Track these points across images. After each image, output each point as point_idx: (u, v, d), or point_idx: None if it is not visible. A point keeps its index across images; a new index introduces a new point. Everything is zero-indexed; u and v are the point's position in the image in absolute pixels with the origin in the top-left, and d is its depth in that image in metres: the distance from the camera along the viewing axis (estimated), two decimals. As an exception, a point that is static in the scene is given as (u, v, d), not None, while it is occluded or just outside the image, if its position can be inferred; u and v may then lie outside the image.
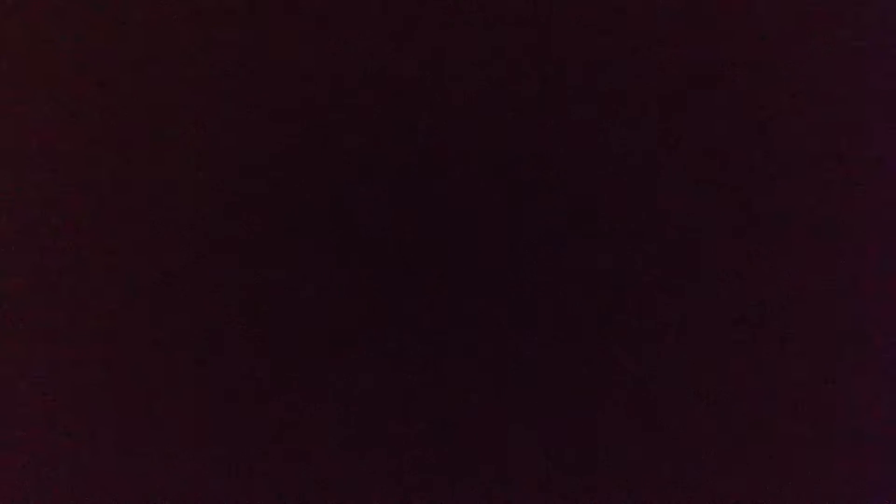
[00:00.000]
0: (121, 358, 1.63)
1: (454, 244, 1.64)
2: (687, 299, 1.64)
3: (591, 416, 1.63)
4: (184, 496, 1.62)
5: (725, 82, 1.66)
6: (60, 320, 1.63)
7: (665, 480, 1.62)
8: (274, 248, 1.64)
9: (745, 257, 1.64)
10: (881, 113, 1.66)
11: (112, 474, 1.63)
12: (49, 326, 1.63)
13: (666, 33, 1.66)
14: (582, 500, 1.62)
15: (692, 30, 1.66)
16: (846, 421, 1.63)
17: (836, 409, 1.63)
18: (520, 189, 1.64)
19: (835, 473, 1.63)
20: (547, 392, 1.63)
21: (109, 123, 1.65)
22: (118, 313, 1.63)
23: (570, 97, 1.65)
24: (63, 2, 1.66)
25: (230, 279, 1.64)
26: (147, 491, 1.62)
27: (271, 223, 1.64)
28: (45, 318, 1.63)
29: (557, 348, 1.63)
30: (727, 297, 1.64)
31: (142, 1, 1.66)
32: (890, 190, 1.65)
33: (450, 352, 1.63)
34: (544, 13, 1.66)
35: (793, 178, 1.65)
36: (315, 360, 1.63)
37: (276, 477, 1.63)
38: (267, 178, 1.65)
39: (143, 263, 1.64)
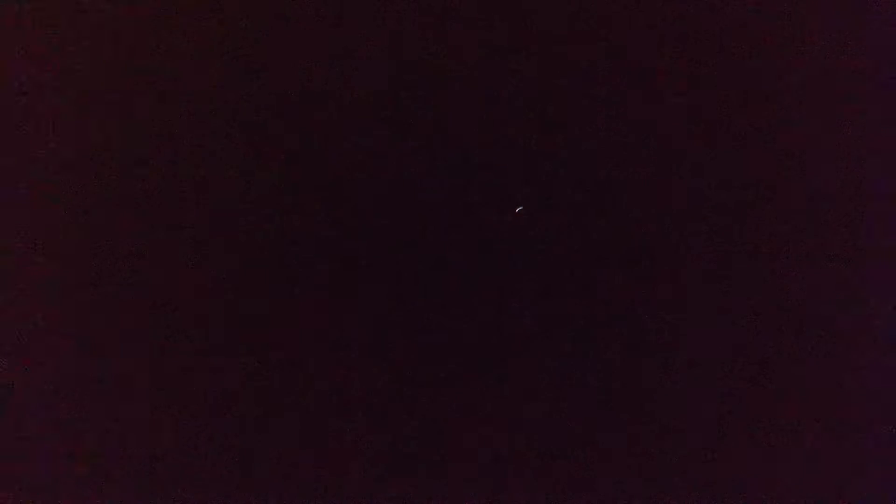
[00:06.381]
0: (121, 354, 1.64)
1: (455, 244, 1.64)
2: (687, 302, 1.64)
3: (591, 416, 1.63)
4: (183, 496, 1.63)
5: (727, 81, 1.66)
6: (61, 319, 1.64)
7: (665, 481, 1.63)
8: (275, 249, 1.64)
9: (746, 257, 1.64)
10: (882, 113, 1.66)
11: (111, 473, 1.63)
12: (49, 326, 1.63)
13: (666, 32, 1.66)
14: (581, 499, 1.63)
15: (693, 30, 1.66)
16: (847, 420, 1.63)
17: (838, 408, 1.63)
18: (520, 188, 1.64)
19: (835, 472, 1.63)
20: (549, 395, 1.63)
21: (110, 123, 1.65)
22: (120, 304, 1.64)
23: (572, 96, 1.65)
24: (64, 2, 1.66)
25: (230, 277, 1.64)
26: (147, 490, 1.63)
27: (271, 224, 1.64)
28: (44, 316, 1.64)
29: (559, 354, 1.64)
30: (727, 298, 1.64)
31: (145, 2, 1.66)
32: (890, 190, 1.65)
33: (451, 353, 1.64)
34: (543, 13, 1.66)
35: (794, 177, 1.65)
36: (315, 362, 1.64)
37: (276, 478, 1.63)
38: (267, 179, 1.65)
39: (145, 264, 1.64)
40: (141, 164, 1.64)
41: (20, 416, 1.62)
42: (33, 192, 1.64)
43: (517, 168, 1.65)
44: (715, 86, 1.66)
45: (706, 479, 1.63)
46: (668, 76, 1.66)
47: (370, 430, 1.63)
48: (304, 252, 1.64)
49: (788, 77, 1.66)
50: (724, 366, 1.63)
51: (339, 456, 1.63)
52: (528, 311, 1.64)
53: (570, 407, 1.63)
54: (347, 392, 1.63)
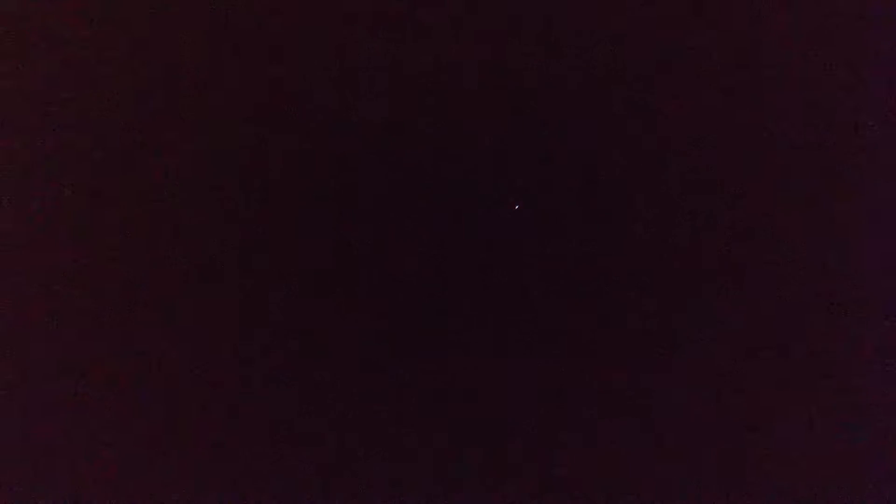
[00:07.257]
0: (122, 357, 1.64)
1: (454, 244, 1.65)
2: (687, 303, 1.64)
3: (590, 417, 1.63)
4: (184, 496, 1.62)
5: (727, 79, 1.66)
6: (62, 320, 1.64)
7: (665, 482, 1.62)
8: (276, 246, 1.65)
9: (746, 257, 1.64)
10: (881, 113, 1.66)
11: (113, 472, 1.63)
12: (50, 326, 1.64)
13: (667, 31, 1.66)
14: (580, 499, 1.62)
15: (693, 29, 1.67)
16: (847, 419, 1.63)
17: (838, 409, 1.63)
18: (518, 185, 1.65)
19: (833, 472, 1.62)
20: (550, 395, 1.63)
21: (110, 123, 1.66)
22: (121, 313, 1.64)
23: (573, 95, 1.66)
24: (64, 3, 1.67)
25: (231, 279, 1.64)
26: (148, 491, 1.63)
27: (273, 223, 1.65)
28: (45, 317, 1.64)
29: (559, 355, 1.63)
30: (727, 297, 1.64)
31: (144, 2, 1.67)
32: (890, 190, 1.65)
33: (452, 353, 1.64)
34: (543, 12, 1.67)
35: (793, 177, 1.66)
36: (317, 361, 1.64)
37: (277, 477, 1.63)
38: (268, 178, 1.65)
39: (146, 266, 1.65)
40: (142, 164, 1.65)
41: (20, 413, 1.62)
42: (34, 190, 1.65)
43: (516, 166, 1.65)
44: (716, 87, 1.66)
45: (706, 479, 1.62)
46: (669, 77, 1.66)
47: (369, 430, 1.63)
48: (301, 251, 1.64)
49: (791, 78, 1.67)
50: (724, 366, 1.63)
51: (338, 456, 1.63)
52: (527, 310, 1.64)
53: (569, 406, 1.63)
54: (347, 392, 1.63)
